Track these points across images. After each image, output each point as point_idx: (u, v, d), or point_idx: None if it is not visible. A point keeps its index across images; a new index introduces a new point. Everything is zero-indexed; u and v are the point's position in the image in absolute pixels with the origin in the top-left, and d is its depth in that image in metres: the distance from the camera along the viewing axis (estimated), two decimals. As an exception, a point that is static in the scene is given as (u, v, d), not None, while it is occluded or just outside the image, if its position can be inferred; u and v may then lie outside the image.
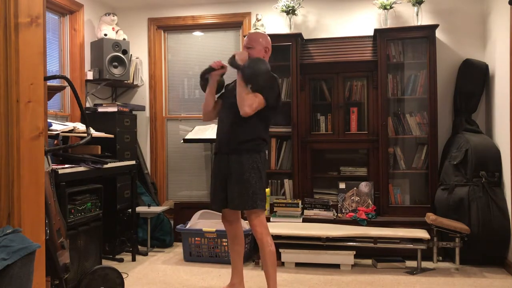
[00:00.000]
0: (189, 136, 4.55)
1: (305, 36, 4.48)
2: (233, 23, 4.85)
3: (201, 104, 3.08)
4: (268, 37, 3.02)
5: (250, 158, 2.79)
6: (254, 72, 2.70)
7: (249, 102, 2.72)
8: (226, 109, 2.95)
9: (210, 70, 2.96)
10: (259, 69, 2.71)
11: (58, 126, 3.46)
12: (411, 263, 3.71)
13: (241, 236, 3.11)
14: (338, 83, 4.32)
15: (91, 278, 2.79)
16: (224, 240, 3.86)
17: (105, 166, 3.58)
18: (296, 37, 4.29)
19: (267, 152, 3.01)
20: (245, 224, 3.98)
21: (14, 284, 1.50)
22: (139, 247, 4.28)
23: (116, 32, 4.53)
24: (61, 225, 2.36)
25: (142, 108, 4.72)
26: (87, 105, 4.51)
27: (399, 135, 4.24)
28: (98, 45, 4.38)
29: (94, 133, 3.81)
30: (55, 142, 3.57)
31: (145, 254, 4.19)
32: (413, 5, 4.20)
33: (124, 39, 4.56)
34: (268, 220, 4.11)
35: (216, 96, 3.05)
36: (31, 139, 1.79)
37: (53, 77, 2.80)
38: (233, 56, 2.81)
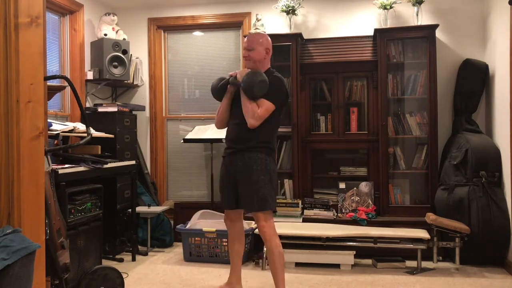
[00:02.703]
0: (189, 136, 4.55)
1: (305, 36, 4.48)
2: (233, 23, 4.85)
3: (216, 111, 3.07)
4: (268, 37, 3.02)
5: (258, 160, 2.80)
6: (249, 84, 2.75)
7: (251, 114, 2.76)
8: (234, 111, 2.96)
9: (228, 83, 2.96)
10: (253, 81, 2.74)
11: (58, 126, 3.46)
12: (411, 263, 3.71)
13: (242, 236, 3.11)
14: (338, 83, 4.32)
15: (91, 278, 2.79)
16: (224, 240, 3.86)
17: (105, 166, 3.59)
18: (296, 37, 4.29)
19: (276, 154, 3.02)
20: (245, 225, 3.99)
21: (14, 284, 1.50)
22: (139, 247, 4.28)
23: (116, 32, 4.53)
24: (61, 225, 2.36)
25: (142, 108, 4.72)
26: (87, 105, 4.51)
27: (399, 135, 4.24)
28: (98, 45, 4.38)
29: (94, 133, 3.81)
30: (55, 142, 3.56)
31: (145, 254, 4.19)
32: (413, 5, 4.20)
33: (124, 39, 4.56)
34: (268, 220, 4.11)
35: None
36: (31, 139, 1.79)
37: (53, 77, 2.80)
38: (235, 77, 2.89)
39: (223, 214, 4.14)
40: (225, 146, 3.02)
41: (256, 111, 2.76)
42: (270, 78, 2.84)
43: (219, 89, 2.99)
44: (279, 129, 4.37)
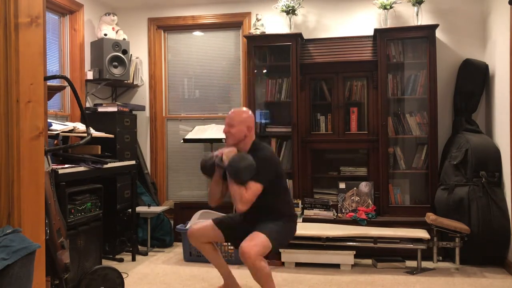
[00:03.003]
0: (189, 136, 4.55)
1: (305, 36, 4.48)
2: (233, 23, 4.85)
3: (208, 189, 3.02)
4: (251, 114, 2.93)
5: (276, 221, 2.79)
6: (235, 171, 2.69)
7: (238, 198, 2.70)
8: None
9: (214, 164, 2.88)
10: (239, 168, 2.67)
11: (58, 126, 3.46)
12: (411, 263, 3.71)
13: (215, 245, 3.11)
14: (338, 83, 4.32)
15: (91, 278, 2.79)
16: (224, 240, 3.86)
17: (105, 166, 3.59)
18: (296, 37, 4.29)
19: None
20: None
21: (14, 284, 1.50)
22: (139, 247, 4.28)
23: (116, 32, 4.53)
24: (61, 225, 2.36)
25: (142, 108, 4.72)
26: (87, 105, 4.51)
27: (399, 135, 4.24)
28: (98, 45, 4.38)
29: (94, 133, 3.81)
30: (55, 142, 3.56)
31: (145, 254, 4.19)
32: (413, 5, 4.20)
33: (124, 39, 4.56)
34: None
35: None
36: (31, 139, 1.79)
37: (53, 77, 2.81)
38: (221, 158, 2.81)
39: (223, 214, 4.15)
40: None
41: (244, 195, 2.68)
42: (256, 156, 2.76)
43: (208, 168, 2.92)
44: (279, 129, 4.44)
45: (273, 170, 2.82)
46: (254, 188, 2.70)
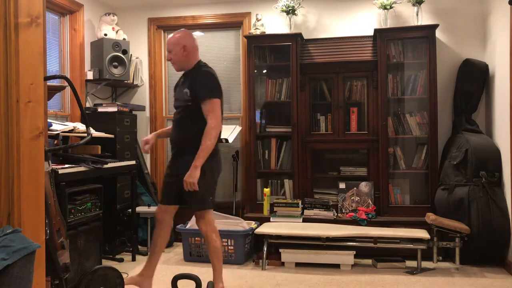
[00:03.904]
0: (189, 136, 4.55)
1: (305, 36, 4.48)
2: (233, 23, 4.85)
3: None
4: (188, 33, 2.96)
5: (192, 159, 2.81)
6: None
7: (210, 123, 2.80)
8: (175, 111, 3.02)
9: None
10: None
11: (58, 126, 3.46)
12: (411, 263, 3.71)
13: (169, 229, 3.08)
14: (338, 83, 4.32)
15: (91, 278, 2.79)
16: (224, 240, 3.86)
17: (105, 166, 3.58)
18: (296, 37, 4.29)
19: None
20: (245, 224, 3.99)
21: (14, 284, 1.50)
22: (139, 247, 4.28)
23: (116, 32, 4.53)
24: (61, 225, 2.36)
25: (142, 108, 4.71)
26: (87, 105, 4.51)
27: (399, 135, 4.24)
28: (98, 45, 4.38)
29: (94, 133, 3.81)
30: (55, 142, 3.56)
31: (145, 254, 4.18)
32: (413, 5, 4.20)
33: (124, 39, 4.56)
34: (268, 220, 4.12)
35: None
36: (31, 139, 1.79)
37: (53, 77, 2.80)
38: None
39: (223, 214, 4.16)
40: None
41: (210, 117, 2.81)
42: (196, 73, 2.87)
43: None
44: (279, 129, 4.44)
45: (215, 84, 2.86)
46: (211, 105, 2.79)
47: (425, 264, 3.68)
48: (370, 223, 3.96)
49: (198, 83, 2.84)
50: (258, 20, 4.49)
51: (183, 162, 2.84)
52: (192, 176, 2.75)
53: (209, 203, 2.93)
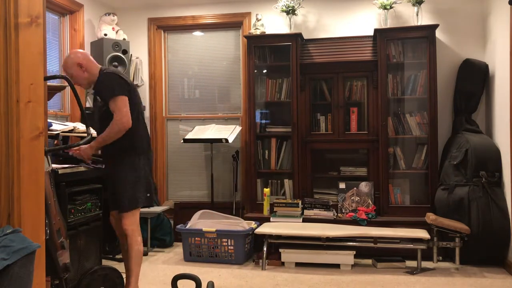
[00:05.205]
0: (189, 136, 4.55)
1: (305, 36, 4.48)
2: (233, 23, 4.85)
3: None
4: (76, 52, 2.99)
5: (120, 161, 2.88)
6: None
7: (118, 120, 2.79)
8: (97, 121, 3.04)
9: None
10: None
11: (58, 126, 3.46)
12: (411, 263, 3.71)
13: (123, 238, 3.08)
14: (338, 83, 4.32)
15: (91, 278, 2.79)
16: (224, 240, 3.86)
17: (105, 166, 3.57)
18: (296, 37, 4.29)
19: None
20: (245, 224, 3.99)
21: (14, 284, 1.50)
22: (139, 247, 4.27)
23: (116, 32, 4.53)
24: (61, 225, 2.36)
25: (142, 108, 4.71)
26: (87, 105, 4.51)
27: (399, 135, 4.24)
28: (98, 45, 4.38)
29: (94, 133, 3.80)
30: (55, 142, 3.56)
31: (145, 254, 4.18)
32: (413, 5, 4.20)
33: (124, 39, 4.56)
34: (268, 220, 4.12)
35: None
36: (31, 139, 1.79)
37: (53, 77, 2.80)
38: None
39: (223, 214, 4.17)
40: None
41: (117, 115, 2.81)
42: (98, 81, 2.88)
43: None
44: (279, 129, 4.44)
45: (117, 83, 2.85)
46: (115, 103, 2.79)
47: (425, 264, 3.68)
48: (370, 223, 3.96)
49: (100, 86, 2.88)
50: (258, 20, 4.49)
51: (111, 166, 2.93)
52: (84, 151, 2.87)
53: (141, 202, 2.97)
